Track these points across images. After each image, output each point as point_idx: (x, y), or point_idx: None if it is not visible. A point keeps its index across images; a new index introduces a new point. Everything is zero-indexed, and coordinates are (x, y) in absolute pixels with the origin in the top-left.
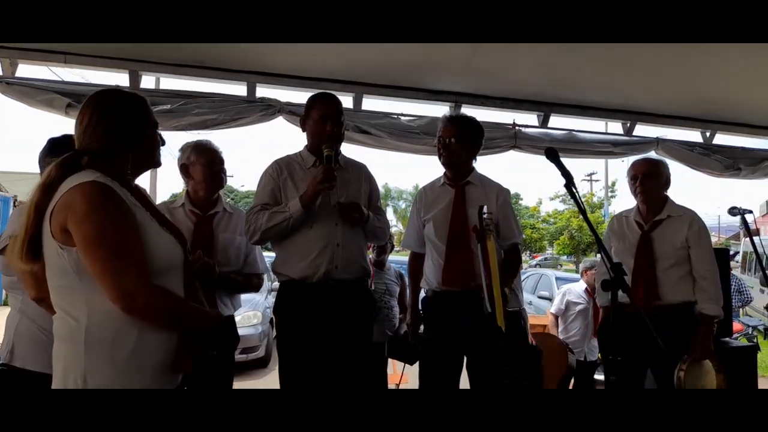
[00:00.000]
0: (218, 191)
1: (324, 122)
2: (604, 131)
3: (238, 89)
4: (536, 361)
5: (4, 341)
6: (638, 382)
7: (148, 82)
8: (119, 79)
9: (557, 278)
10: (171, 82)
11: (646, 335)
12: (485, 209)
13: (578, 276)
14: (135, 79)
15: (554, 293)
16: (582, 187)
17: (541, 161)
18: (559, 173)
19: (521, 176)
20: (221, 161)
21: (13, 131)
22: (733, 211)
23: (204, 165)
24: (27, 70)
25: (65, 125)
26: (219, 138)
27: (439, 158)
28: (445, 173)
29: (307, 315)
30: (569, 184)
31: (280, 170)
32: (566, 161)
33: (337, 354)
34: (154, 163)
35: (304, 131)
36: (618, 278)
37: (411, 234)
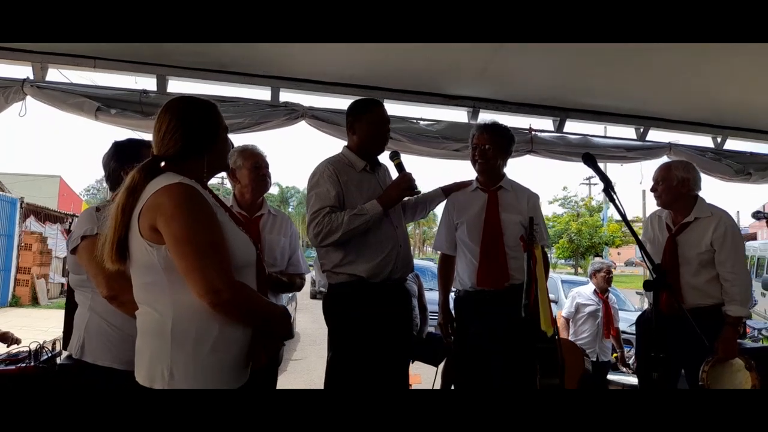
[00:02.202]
0: (264, 194)
1: (380, 125)
2: (618, 136)
3: (262, 94)
4: (563, 363)
5: (74, 338)
6: (674, 380)
7: (174, 86)
8: (147, 83)
9: (563, 281)
10: (196, 87)
11: (683, 335)
12: (535, 220)
13: (581, 279)
14: (162, 83)
15: (559, 295)
16: (580, 191)
17: (540, 165)
18: (546, 179)
19: (519, 179)
20: (266, 165)
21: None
22: (757, 215)
23: (249, 169)
24: (56, 74)
25: (57, 128)
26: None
27: (474, 165)
28: (477, 178)
29: (374, 315)
30: (608, 188)
31: (339, 174)
32: (579, 165)
33: (394, 352)
34: (226, 165)
35: (355, 133)
36: (660, 279)
37: (442, 236)
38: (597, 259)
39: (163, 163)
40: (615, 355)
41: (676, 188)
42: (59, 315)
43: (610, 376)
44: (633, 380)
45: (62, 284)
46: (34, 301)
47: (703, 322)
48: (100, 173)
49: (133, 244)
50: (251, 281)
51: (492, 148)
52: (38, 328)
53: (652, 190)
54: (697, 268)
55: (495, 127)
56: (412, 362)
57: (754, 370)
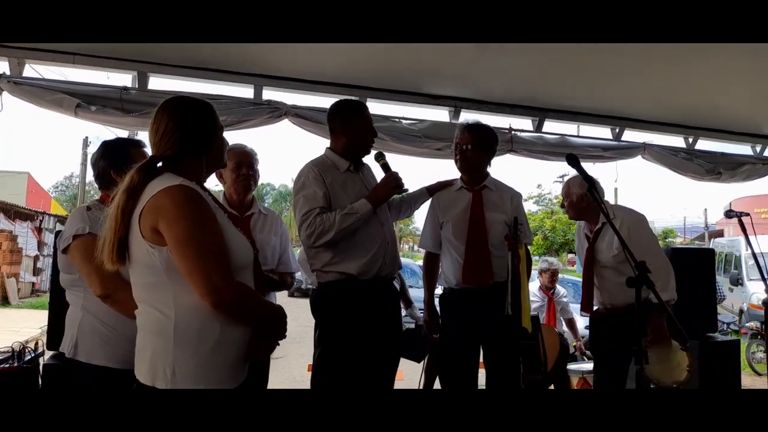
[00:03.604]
0: (249, 194)
1: (371, 129)
2: (595, 136)
3: (245, 92)
4: (545, 356)
5: (66, 337)
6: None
7: (155, 83)
8: (127, 80)
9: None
10: (178, 84)
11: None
12: (519, 219)
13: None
14: (143, 80)
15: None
16: (554, 189)
17: (514, 162)
18: (521, 177)
19: (495, 177)
20: (249, 164)
21: None
22: (729, 214)
23: (231, 169)
24: (32, 70)
25: (26, 124)
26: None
27: (456, 164)
28: (461, 177)
29: (365, 309)
30: (591, 188)
31: (324, 175)
32: (558, 164)
33: (384, 347)
34: (223, 164)
35: (341, 135)
36: (642, 276)
37: (427, 235)
38: (546, 258)
39: (160, 164)
40: (575, 344)
41: (577, 203)
42: (31, 315)
43: (569, 366)
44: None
45: (33, 283)
46: (5, 301)
47: (629, 321)
48: (69, 169)
49: (133, 245)
50: (249, 281)
51: (473, 147)
52: (10, 328)
53: (561, 206)
54: (616, 269)
55: (477, 126)
56: None
57: (689, 350)
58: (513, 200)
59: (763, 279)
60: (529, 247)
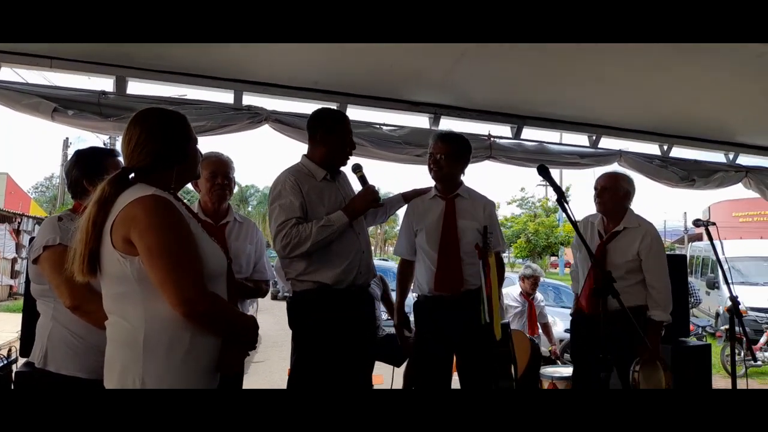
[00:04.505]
0: (224, 203)
1: (350, 140)
2: (571, 143)
3: (225, 97)
4: (515, 360)
5: (36, 347)
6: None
7: (134, 88)
8: (105, 84)
9: None
10: (157, 88)
11: (612, 335)
12: (489, 229)
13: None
14: (121, 85)
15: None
16: (537, 192)
17: (499, 166)
18: (505, 180)
19: (479, 181)
20: (225, 173)
21: None
22: (697, 222)
23: (206, 178)
24: (9, 73)
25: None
26: (208, 146)
27: (430, 173)
28: (435, 186)
29: (340, 318)
30: (561, 198)
31: (300, 184)
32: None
33: (359, 355)
34: (196, 176)
35: (321, 145)
36: (607, 285)
37: (402, 242)
38: (530, 265)
39: (132, 175)
40: (550, 348)
41: (620, 199)
42: (8, 318)
43: (543, 370)
44: (564, 371)
45: (10, 286)
46: None
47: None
48: (49, 170)
49: (105, 256)
50: (222, 291)
51: (445, 157)
52: None
53: (597, 195)
54: (623, 273)
55: (450, 136)
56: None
57: (668, 370)
58: (486, 209)
59: (728, 285)
60: (509, 252)
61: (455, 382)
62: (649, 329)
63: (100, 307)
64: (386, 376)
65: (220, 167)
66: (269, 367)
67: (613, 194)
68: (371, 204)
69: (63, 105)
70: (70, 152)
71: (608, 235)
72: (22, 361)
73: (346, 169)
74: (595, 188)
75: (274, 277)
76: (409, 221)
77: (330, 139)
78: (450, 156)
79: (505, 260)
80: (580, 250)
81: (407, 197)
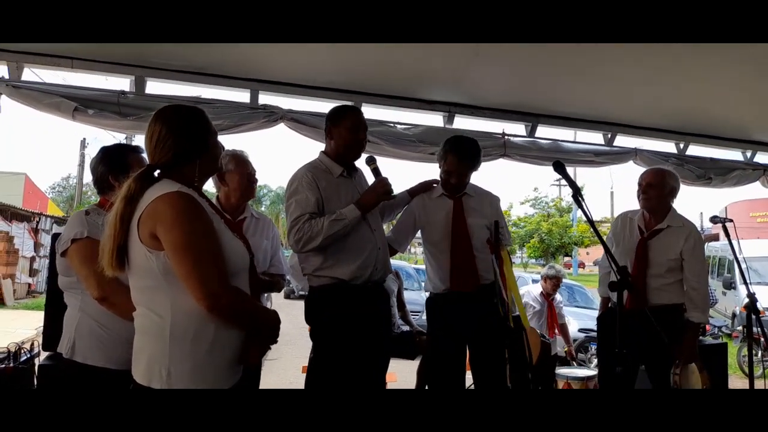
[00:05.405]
0: (250, 200)
1: (357, 131)
2: (587, 142)
3: (241, 96)
4: (530, 353)
5: (64, 338)
6: (633, 375)
7: (152, 87)
8: (124, 84)
9: (533, 281)
10: (175, 88)
11: (643, 333)
12: (500, 224)
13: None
14: (140, 84)
15: None
16: (550, 192)
17: (510, 166)
18: (518, 180)
19: (492, 180)
20: (254, 172)
21: None
22: (714, 219)
23: (241, 174)
24: (28, 74)
25: (23, 125)
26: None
27: (445, 186)
28: (442, 185)
29: (355, 315)
30: (576, 194)
31: (317, 180)
32: (550, 168)
33: (376, 351)
34: (218, 169)
35: (331, 138)
36: (624, 280)
37: (395, 230)
38: (554, 266)
39: (157, 171)
40: (566, 349)
41: (666, 195)
42: (26, 316)
43: (558, 370)
44: (579, 372)
45: (29, 284)
46: (0, 302)
47: (663, 319)
48: (66, 170)
49: (132, 250)
50: (245, 285)
51: (459, 168)
52: (5, 329)
53: (643, 191)
54: (663, 272)
55: (468, 154)
56: None
57: (705, 371)
58: (492, 204)
59: (746, 283)
60: (522, 252)
61: (468, 379)
62: (688, 330)
63: (128, 298)
64: (399, 375)
65: (252, 167)
66: (283, 364)
67: (660, 191)
68: (382, 197)
69: (83, 104)
70: (87, 153)
71: (650, 231)
72: (44, 354)
73: (364, 167)
74: (640, 184)
75: (289, 272)
76: (411, 215)
77: (337, 130)
78: (469, 169)
79: (518, 260)
80: (618, 244)
81: (413, 193)
